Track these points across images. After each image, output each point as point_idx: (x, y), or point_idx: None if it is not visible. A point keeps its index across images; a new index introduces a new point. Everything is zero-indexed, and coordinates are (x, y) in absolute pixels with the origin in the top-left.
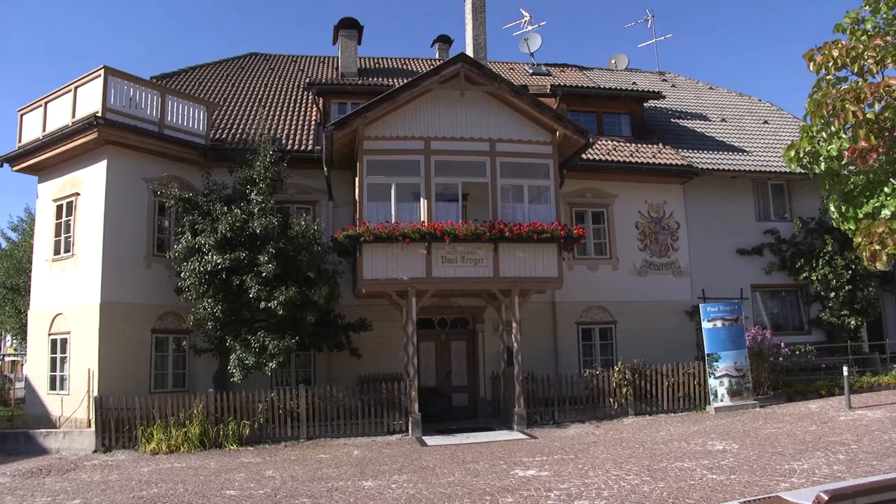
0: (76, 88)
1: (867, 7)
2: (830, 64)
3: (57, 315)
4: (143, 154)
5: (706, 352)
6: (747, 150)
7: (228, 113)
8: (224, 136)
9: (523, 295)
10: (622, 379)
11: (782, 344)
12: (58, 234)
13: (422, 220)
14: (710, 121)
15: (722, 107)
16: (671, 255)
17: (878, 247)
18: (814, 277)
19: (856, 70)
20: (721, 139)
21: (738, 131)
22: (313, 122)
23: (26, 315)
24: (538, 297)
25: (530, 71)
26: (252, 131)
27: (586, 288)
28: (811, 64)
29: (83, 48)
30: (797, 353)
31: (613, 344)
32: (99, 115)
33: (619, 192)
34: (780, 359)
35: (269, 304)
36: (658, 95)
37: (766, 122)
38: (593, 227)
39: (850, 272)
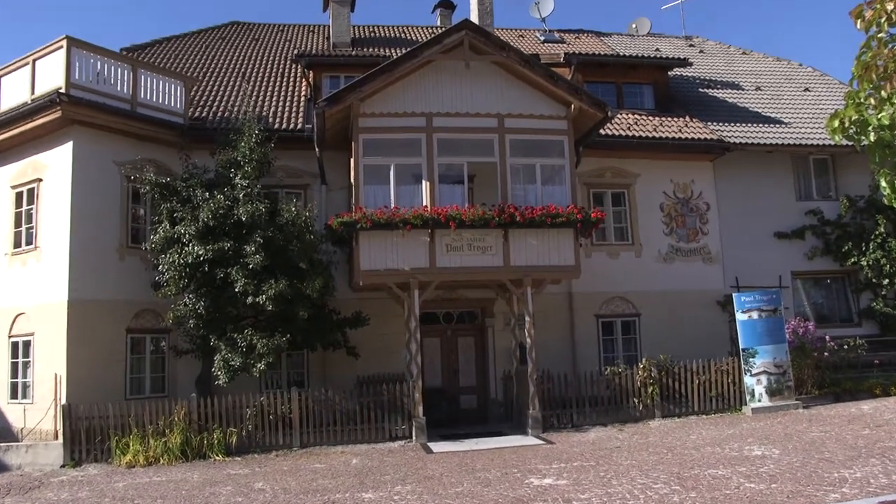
0: (34, 61)
1: None
2: (882, 20)
3: (18, 315)
4: (114, 135)
5: (741, 346)
6: (785, 121)
7: (209, 89)
8: (204, 114)
9: (537, 286)
10: (647, 377)
11: (827, 337)
12: (18, 224)
13: (424, 204)
14: (743, 90)
15: (757, 74)
16: (700, 240)
17: None
18: (864, 263)
19: None
20: (756, 110)
21: (774, 101)
22: (303, 99)
23: None
24: (553, 288)
25: (542, 38)
26: (235, 109)
27: (606, 277)
28: (859, 21)
29: (42, 16)
30: (845, 347)
31: (637, 338)
32: (62, 90)
33: (641, 170)
34: (826, 354)
35: (257, 299)
36: (684, 63)
37: (806, 89)
38: (613, 210)
39: None
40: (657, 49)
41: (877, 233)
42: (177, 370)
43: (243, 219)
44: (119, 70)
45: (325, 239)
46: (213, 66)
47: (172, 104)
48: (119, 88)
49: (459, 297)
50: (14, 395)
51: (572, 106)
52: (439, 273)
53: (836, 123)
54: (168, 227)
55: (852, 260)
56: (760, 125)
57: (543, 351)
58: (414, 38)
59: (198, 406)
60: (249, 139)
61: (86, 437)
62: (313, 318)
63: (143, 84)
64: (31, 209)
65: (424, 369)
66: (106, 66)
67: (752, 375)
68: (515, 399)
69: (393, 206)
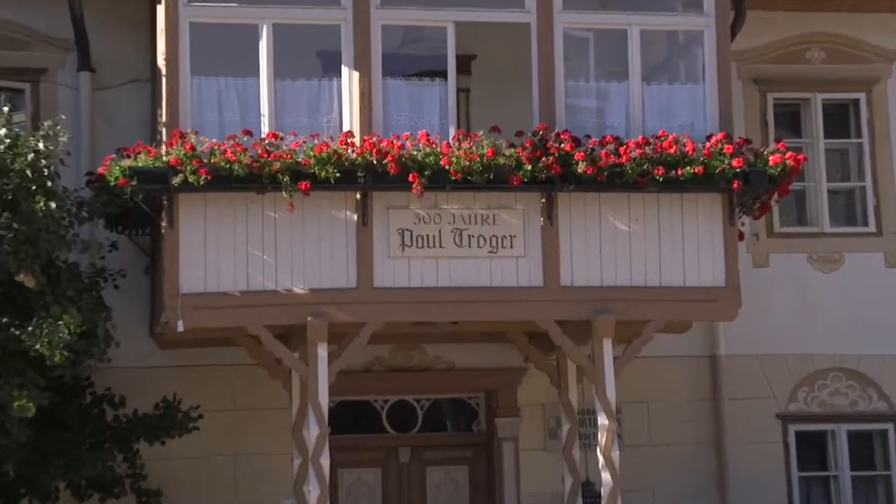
0: None
1: None
2: None
3: None
4: None
5: None
6: None
7: None
8: None
9: (629, 336)
10: None
11: None
12: None
13: (346, 128)
14: None
15: None
16: None
17: None
18: None
19: None
20: None
21: None
22: None
23: None
24: (670, 343)
25: None
26: None
27: (808, 318)
28: None
29: None
30: None
31: None
32: None
33: None
34: None
35: None
36: None
37: None
38: (828, 149)
39: None
40: None
41: None
42: None
43: None
44: None
45: (87, 213)
46: None
47: None
48: None
49: (432, 363)
50: None
51: None
52: (381, 304)
53: None
54: None
55: None
56: None
57: (645, 501)
58: None
59: None
60: None
61: None
62: (51, 418)
63: None
64: None
65: None
66: None
67: None
68: None
69: (266, 132)
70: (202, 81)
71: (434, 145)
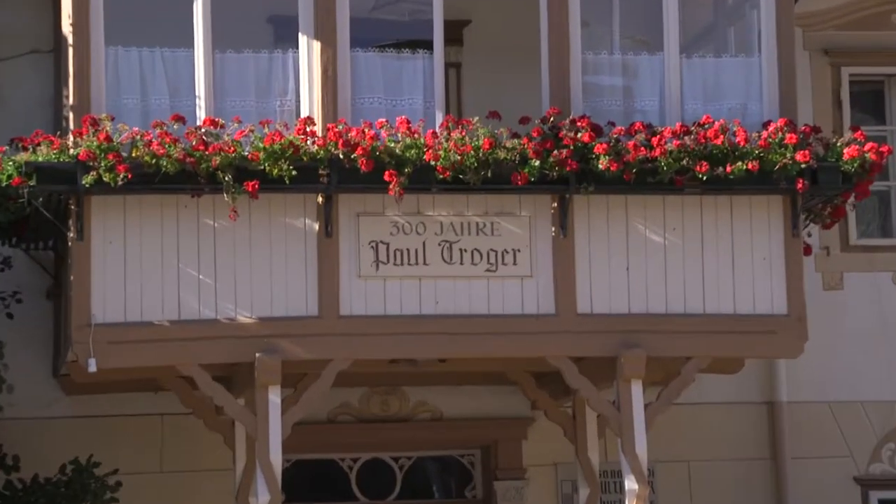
0: None
1: None
2: None
3: None
4: None
5: None
6: None
7: None
8: None
9: (663, 376)
10: None
11: None
12: None
13: (304, 113)
14: None
15: None
16: None
17: None
18: None
19: None
20: None
21: None
22: None
23: None
24: (715, 385)
25: None
26: None
27: (892, 351)
28: None
29: None
30: None
31: None
32: None
33: None
34: None
35: None
36: None
37: None
38: None
39: None
40: None
41: None
42: None
43: None
44: None
45: None
46: None
47: None
48: None
49: (414, 412)
50: None
51: None
52: (349, 337)
53: None
54: None
55: None
56: None
57: None
58: None
59: None
60: None
61: None
62: None
63: None
64: None
65: None
66: None
67: None
68: None
69: (203, 117)
70: (120, 53)
71: (416, 135)
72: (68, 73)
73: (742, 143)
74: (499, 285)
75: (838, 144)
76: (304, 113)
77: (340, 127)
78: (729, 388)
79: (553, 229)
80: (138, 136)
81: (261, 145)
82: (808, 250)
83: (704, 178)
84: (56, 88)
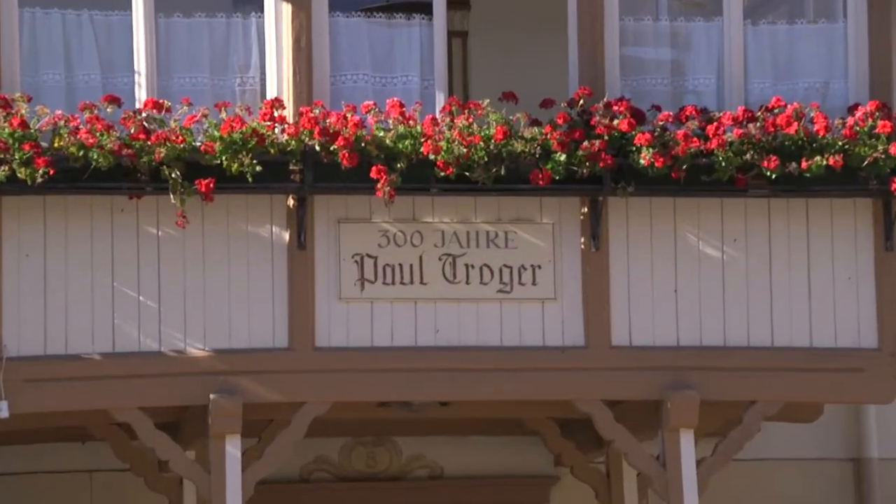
0: None
1: None
2: None
3: None
4: None
5: None
6: None
7: None
8: None
9: (722, 423)
10: None
11: None
12: None
13: (271, 94)
14: None
15: None
16: None
17: None
18: None
19: None
20: None
21: None
22: None
23: None
24: (788, 435)
25: None
26: None
27: None
28: None
29: None
30: None
31: None
32: None
33: None
34: None
35: None
36: None
37: None
38: None
39: None
40: None
41: None
42: None
43: None
44: None
45: None
46: None
47: None
48: None
49: (408, 467)
50: None
51: None
52: (327, 374)
53: None
54: None
55: None
56: None
57: None
58: None
59: None
60: None
61: None
62: None
63: None
64: None
65: None
66: None
67: None
68: None
69: (144, 98)
70: (38, 16)
71: (412, 122)
72: None
73: (821, 133)
74: (514, 310)
75: None
76: (270, 94)
77: (317, 111)
78: (804, 440)
79: (582, 241)
80: (62, 122)
81: (216, 134)
82: None
83: (773, 176)
84: None
